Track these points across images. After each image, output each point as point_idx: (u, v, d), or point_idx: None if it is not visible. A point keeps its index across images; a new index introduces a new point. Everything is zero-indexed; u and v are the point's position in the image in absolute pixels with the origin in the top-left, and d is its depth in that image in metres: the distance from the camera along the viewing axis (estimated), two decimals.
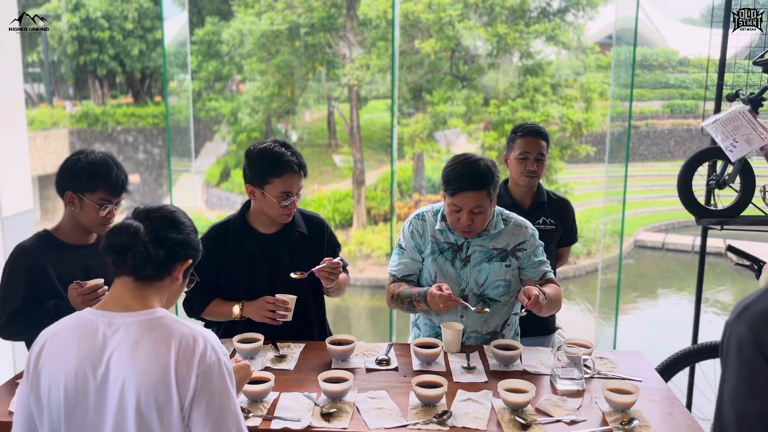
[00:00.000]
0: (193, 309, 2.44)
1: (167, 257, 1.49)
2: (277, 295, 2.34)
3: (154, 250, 1.46)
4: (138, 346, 1.41)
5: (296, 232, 2.43)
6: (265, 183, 2.30)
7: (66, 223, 2.27)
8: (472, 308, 2.30)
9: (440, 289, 2.22)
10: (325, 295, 2.58)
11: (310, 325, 2.52)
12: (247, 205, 2.45)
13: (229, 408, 1.44)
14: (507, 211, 2.45)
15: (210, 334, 1.48)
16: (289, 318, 2.34)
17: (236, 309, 2.36)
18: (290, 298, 2.33)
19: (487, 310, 2.30)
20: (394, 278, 2.46)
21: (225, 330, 2.47)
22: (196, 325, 1.50)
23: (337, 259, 2.36)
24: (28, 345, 2.15)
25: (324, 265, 2.32)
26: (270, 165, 2.28)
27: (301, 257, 2.43)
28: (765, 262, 2.65)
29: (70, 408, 1.41)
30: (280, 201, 2.30)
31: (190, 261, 1.56)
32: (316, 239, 2.50)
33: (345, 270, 2.54)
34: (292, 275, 2.34)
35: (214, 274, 2.40)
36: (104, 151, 2.25)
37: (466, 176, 2.20)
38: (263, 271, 2.41)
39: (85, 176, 2.17)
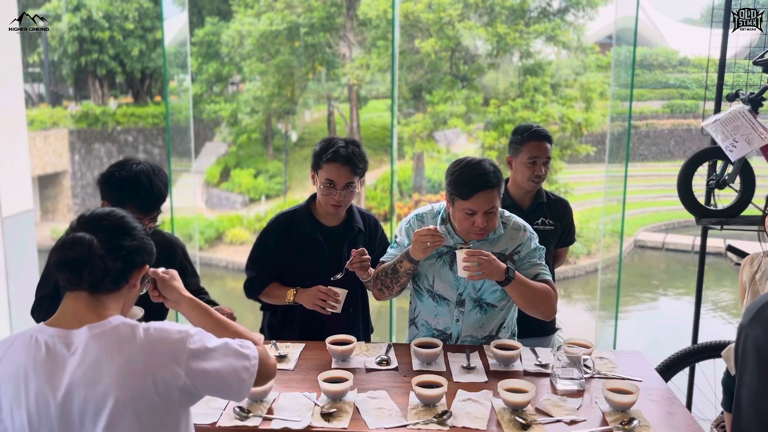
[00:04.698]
0: (255, 288, 2.55)
1: (124, 267, 1.38)
2: (330, 287, 2.42)
3: (111, 263, 1.35)
4: (101, 362, 1.29)
5: (356, 227, 2.53)
6: (318, 168, 2.42)
7: None
8: (453, 242, 2.29)
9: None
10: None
11: (356, 320, 2.61)
12: (312, 198, 2.56)
13: (226, 356, 1.38)
14: (507, 213, 2.43)
15: (166, 323, 1.39)
16: (338, 310, 2.42)
17: (290, 294, 2.46)
18: (342, 291, 2.41)
19: (470, 244, 2.26)
20: (380, 264, 2.48)
21: (282, 315, 2.59)
22: (150, 322, 1.39)
23: (360, 248, 2.43)
24: None
25: (353, 257, 2.40)
26: (322, 151, 2.40)
27: None
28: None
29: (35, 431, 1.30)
30: (323, 187, 2.39)
31: (147, 266, 1.45)
32: (371, 236, 2.61)
33: None
34: (333, 279, 2.44)
35: (277, 259, 2.51)
36: (145, 164, 2.20)
37: (479, 177, 2.18)
38: (325, 262, 2.49)
39: (115, 192, 2.17)
